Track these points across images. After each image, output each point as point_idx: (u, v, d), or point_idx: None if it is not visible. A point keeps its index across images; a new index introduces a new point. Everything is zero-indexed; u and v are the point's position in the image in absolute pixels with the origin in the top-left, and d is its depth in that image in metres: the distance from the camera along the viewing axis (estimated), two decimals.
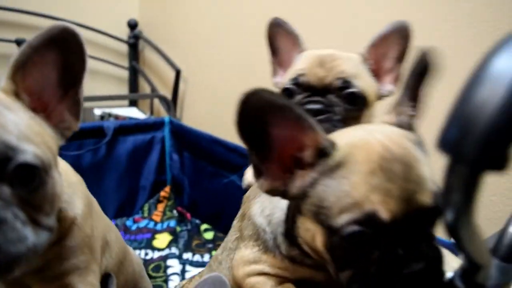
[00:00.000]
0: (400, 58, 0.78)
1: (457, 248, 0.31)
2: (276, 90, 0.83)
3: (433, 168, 0.47)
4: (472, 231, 0.29)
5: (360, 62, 0.80)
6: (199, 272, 0.95)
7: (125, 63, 2.55)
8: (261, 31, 1.44)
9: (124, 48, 2.54)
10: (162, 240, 1.47)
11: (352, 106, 0.75)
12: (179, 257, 1.36)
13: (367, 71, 0.80)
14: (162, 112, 2.28)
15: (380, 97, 0.80)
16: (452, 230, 0.29)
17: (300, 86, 0.78)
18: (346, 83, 0.74)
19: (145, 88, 2.54)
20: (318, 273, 0.62)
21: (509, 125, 0.23)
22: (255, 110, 0.47)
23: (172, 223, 1.56)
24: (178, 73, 2.06)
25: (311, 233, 0.52)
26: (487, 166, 0.23)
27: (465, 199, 0.25)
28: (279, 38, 0.90)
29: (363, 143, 0.50)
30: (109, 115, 2.12)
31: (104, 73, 2.54)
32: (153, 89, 2.29)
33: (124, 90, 2.61)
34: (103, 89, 2.55)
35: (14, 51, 2.13)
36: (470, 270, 0.35)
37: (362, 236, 0.45)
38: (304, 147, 0.51)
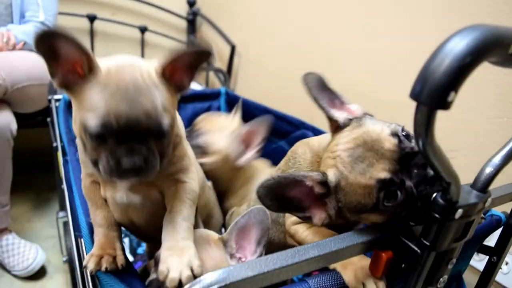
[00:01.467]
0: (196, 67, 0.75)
1: (431, 168, 0.46)
2: None
3: None
4: (437, 153, 0.43)
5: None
6: (249, 199, 1.12)
7: (184, 38, 2.73)
8: (314, 9, 1.56)
9: (183, 24, 2.71)
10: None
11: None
12: None
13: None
14: (216, 84, 2.45)
15: None
16: (423, 154, 0.44)
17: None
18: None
19: None
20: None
21: (450, 81, 0.38)
22: (271, 194, 0.65)
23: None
24: (233, 48, 2.22)
25: (369, 219, 0.68)
26: (437, 107, 0.39)
27: (426, 129, 0.41)
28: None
29: (333, 160, 0.69)
30: None
31: (164, 47, 2.73)
32: (209, 63, 2.45)
33: None
34: None
35: (85, 25, 2.38)
36: (445, 189, 0.49)
37: (389, 192, 0.62)
38: (312, 187, 0.68)
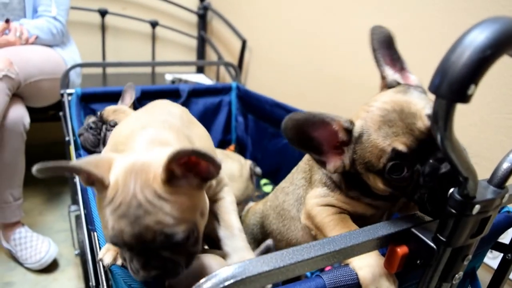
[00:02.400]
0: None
1: (448, 162, 0.45)
2: None
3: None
4: (455, 147, 0.43)
5: None
6: (265, 198, 1.12)
7: (194, 32, 2.74)
8: (322, 3, 1.55)
9: (194, 18, 2.72)
10: None
11: None
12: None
13: None
14: (227, 79, 2.45)
15: None
16: (442, 147, 0.43)
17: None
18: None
19: (211, 56, 2.72)
20: (369, 209, 0.80)
21: (470, 73, 0.37)
22: (298, 129, 0.68)
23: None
24: (244, 42, 2.22)
25: (373, 181, 0.71)
26: (457, 100, 0.38)
27: (445, 122, 0.40)
28: None
29: (366, 113, 0.70)
30: (179, 80, 2.32)
31: (175, 41, 2.75)
32: (220, 57, 2.46)
33: (192, 57, 2.82)
34: (173, 56, 2.77)
35: (97, 19, 2.40)
36: (462, 184, 0.49)
37: (397, 165, 0.65)
38: (337, 132, 0.71)
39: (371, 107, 0.70)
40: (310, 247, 0.48)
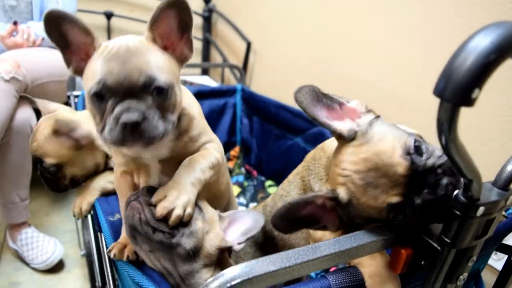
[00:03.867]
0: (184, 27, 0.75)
1: (453, 165, 0.46)
2: None
3: None
4: (459, 150, 0.43)
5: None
6: (264, 201, 1.13)
7: (199, 34, 2.74)
8: (330, 4, 1.55)
9: (199, 20, 2.71)
10: None
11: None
12: (246, 206, 1.56)
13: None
14: (232, 81, 2.46)
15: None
16: (446, 150, 0.43)
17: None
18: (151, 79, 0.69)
19: (216, 58, 2.72)
20: None
21: (474, 78, 0.38)
22: (284, 219, 0.67)
23: (241, 178, 1.76)
24: (249, 44, 2.22)
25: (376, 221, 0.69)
26: (461, 103, 0.39)
27: (449, 126, 0.41)
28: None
29: (343, 178, 0.68)
30: (184, 82, 2.33)
31: None
32: (225, 59, 2.47)
33: (197, 59, 2.82)
34: None
35: (103, 22, 2.41)
36: (467, 186, 0.49)
37: (398, 212, 0.62)
38: (323, 204, 0.69)
39: (345, 170, 0.67)
40: (316, 247, 0.49)
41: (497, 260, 1.11)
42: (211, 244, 0.76)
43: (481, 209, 0.50)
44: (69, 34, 0.71)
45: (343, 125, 0.70)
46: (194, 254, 0.73)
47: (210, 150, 0.84)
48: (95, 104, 0.69)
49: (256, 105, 1.81)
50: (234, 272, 0.45)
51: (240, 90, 1.89)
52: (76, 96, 1.59)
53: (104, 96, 0.67)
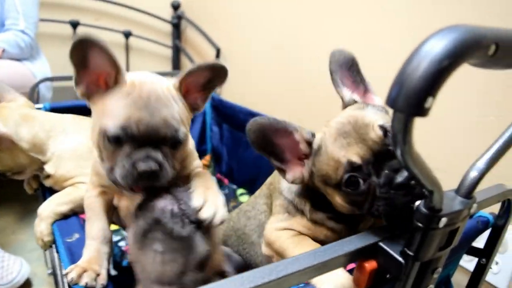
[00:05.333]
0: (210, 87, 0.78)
1: (412, 177, 0.44)
2: None
3: None
4: (416, 161, 0.41)
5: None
6: (229, 217, 1.09)
7: (169, 42, 2.70)
8: (299, 11, 1.54)
9: (168, 28, 2.68)
10: None
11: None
12: None
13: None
14: None
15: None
16: (403, 162, 0.41)
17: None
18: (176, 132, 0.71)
19: (187, 65, 2.69)
20: (330, 235, 0.78)
21: (427, 86, 0.36)
22: (260, 132, 0.70)
23: None
24: (218, 51, 2.19)
25: (331, 196, 0.71)
26: (414, 113, 0.37)
27: (404, 137, 0.38)
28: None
29: (325, 128, 0.72)
30: None
31: (149, 51, 2.71)
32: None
33: (167, 67, 2.78)
34: (148, 66, 2.72)
35: (68, 31, 2.34)
36: (427, 197, 0.47)
37: (353, 178, 0.66)
38: (298, 142, 0.72)
39: (330, 122, 0.72)
40: (271, 269, 0.46)
41: (468, 261, 1.11)
42: (217, 258, 0.76)
43: (444, 220, 0.48)
44: (92, 58, 0.68)
45: (348, 94, 0.77)
46: (205, 261, 0.71)
47: (202, 172, 0.84)
48: (108, 144, 0.69)
49: (226, 113, 1.78)
50: None
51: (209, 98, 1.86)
52: (39, 109, 1.53)
53: (122, 140, 0.67)
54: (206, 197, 0.71)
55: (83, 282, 0.72)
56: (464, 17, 1.11)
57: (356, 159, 0.65)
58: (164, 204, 0.69)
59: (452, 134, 1.17)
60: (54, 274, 1.50)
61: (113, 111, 0.68)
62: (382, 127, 0.66)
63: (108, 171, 0.71)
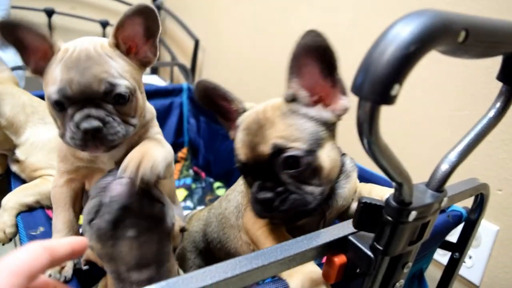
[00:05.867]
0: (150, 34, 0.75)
1: (380, 168, 0.42)
2: None
3: None
4: (384, 152, 0.39)
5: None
6: (212, 204, 1.07)
7: None
8: (276, 2, 1.52)
9: None
10: (178, 195, 1.61)
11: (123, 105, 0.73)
12: (193, 209, 1.51)
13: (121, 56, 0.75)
14: (181, 80, 2.39)
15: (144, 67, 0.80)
16: (370, 153, 0.39)
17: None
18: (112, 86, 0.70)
19: (165, 56, 2.65)
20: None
21: (393, 72, 0.34)
22: (204, 92, 0.77)
23: (188, 180, 1.70)
24: (197, 42, 2.16)
25: None
26: (380, 101, 0.35)
27: (370, 126, 0.37)
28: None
29: (251, 108, 0.75)
30: None
31: None
32: (173, 58, 2.40)
33: None
34: None
35: (43, 19, 2.28)
36: (397, 189, 0.46)
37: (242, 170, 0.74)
38: (234, 112, 0.78)
39: (258, 105, 0.75)
40: (235, 263, 0.44)
41: (442, 255, 1.11)
42: (177, 224, 0.75)
43: (414, 214, 0.47)
44: (25, 39, 0.70)
45: (297, 88, 0.70)
46: (170, 232, 0.72)
47: (164, 142, 0.83)
48: (55, 110, 0.70)
49: None
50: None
51: (186, 89, 1.82)
52: None
53: (63, 104, 0.68)
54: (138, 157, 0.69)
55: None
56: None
57: (242, 158, 0.70)
58: (127, 188, 0.67)
59: (425, 127, 1.17)
60: None
61: (51, 78, 0.69)
62: (275, 146, 0.65)
63: (61, 137, 0.72)
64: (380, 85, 0.34)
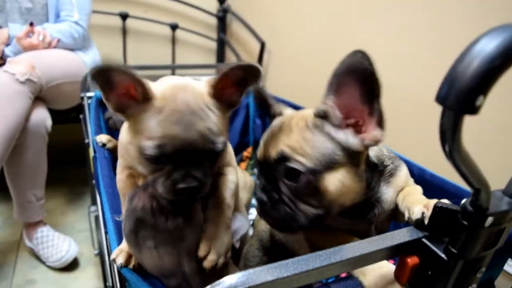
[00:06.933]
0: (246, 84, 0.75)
1: (459, 174, 0.44)
2: None
3: None
4: (464, 159, 0.41)
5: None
6: None
7: (214, 35, 2.74)
8: (344, 5, 1.53)
9: (213, 21, 2.72)
10: None
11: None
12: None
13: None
14: None
15: None
16: (450, 160, 0.41)
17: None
18: None
19: (231, 58, 2.72)
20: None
21: (478, 84, 0.36)
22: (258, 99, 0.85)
23: (253, 179, 1.75)
24: (263, 45, 2.21)
25: None
26: (464, 111, 0.37)
27: (453, 135, 0.39)
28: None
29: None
30: None
31: (195, 44, 2.76)
32: (239, 60, 2.46)
33: (212, 60, 2.83)
34: (193, 59, 2.78)
35: (118, 23, 2.43)
36: (474, 195, 0.47)
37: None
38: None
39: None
40: (316, 256, 0.48)
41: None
42: (212, 259, 0.74)
43: (490, 220, 0.48)
44: (116, 81, 0.66)
45: (331, 106, 0.68)
46: (197, 247, 0.73)
47: (226, 178, 0.84)
48: (147, 162, 0.68)
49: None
50: (231, 280, 0.44)
51: (252, 91, 1.88)
52: (90, 97, 1.60)
53: (161, 159, 0.66)
54: (211, 246, 0.73)
55: (130, 265, 0.75)
56: (468, 14, 1.08)
57: (258, 155, 0.74)
58: (143, 202, 0.70)
59: (499, 135, 1.14)
60: (100, 254, 1.58)
61: (147, 130, 0.65)
62: (281, 153, 0.66)
63: (152, 183, 0.71)
64: (465, 96, 0.36)
